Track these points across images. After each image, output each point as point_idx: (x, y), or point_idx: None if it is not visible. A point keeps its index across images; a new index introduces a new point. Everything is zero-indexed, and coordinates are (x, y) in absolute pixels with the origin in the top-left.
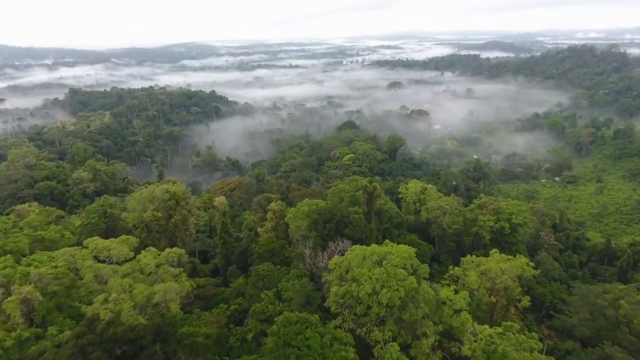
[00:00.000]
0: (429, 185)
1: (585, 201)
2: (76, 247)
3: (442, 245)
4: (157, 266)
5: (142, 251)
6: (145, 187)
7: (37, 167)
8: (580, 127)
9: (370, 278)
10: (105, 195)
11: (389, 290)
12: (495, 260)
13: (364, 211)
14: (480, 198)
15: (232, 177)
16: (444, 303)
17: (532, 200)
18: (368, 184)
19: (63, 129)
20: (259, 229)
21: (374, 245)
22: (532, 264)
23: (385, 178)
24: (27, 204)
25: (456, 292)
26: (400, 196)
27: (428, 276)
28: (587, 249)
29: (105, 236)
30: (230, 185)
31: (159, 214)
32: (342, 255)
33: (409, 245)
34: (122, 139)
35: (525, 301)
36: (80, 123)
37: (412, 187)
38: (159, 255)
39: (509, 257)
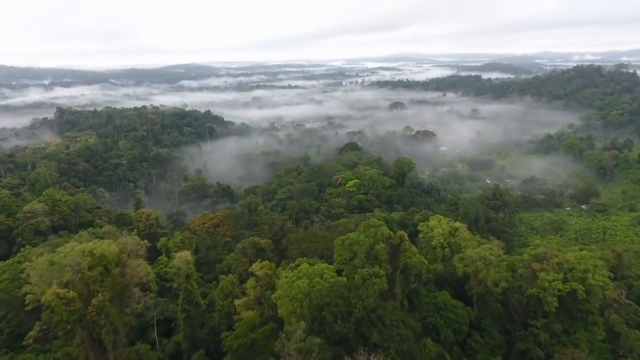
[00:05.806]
0: (458, 223)
1: (623, 234)
2: None
3: (483, 306)
4: None
5: None
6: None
7: None
8: (598, 149)
9: None
10: (27, 246)
11: None
12: None
13: (387, 272)
14: (537, 247)
15: (222, 205)
16: None
17: (559, 232)
18: (392, 235)
19: (43, 150)
20: (237, 302)
21: None
22: None
23: (393, 207)
24: None
25: None
26: (420, 236)
27: None
28: None
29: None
30: (213, 220)
31: (71, 294)
32: None
33: (442, 307)
34: (104, 162)
35: None
36: (63, 144)
37: (436, 226)
38: None
39: None
